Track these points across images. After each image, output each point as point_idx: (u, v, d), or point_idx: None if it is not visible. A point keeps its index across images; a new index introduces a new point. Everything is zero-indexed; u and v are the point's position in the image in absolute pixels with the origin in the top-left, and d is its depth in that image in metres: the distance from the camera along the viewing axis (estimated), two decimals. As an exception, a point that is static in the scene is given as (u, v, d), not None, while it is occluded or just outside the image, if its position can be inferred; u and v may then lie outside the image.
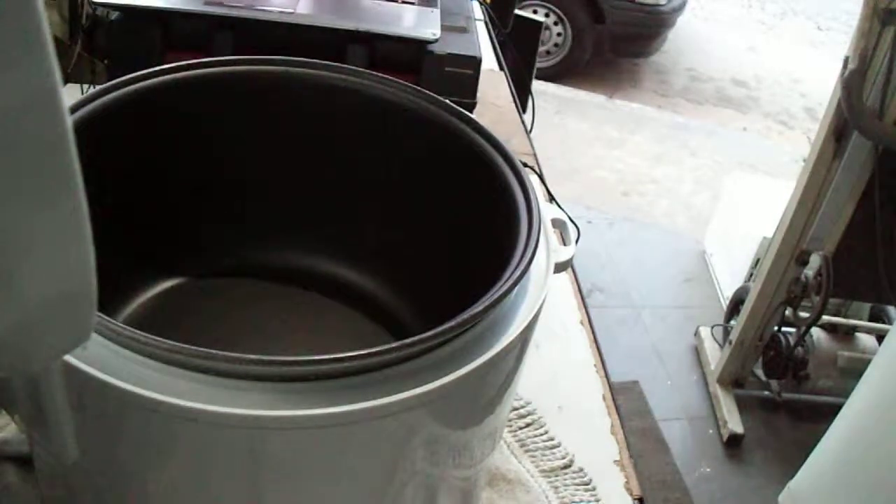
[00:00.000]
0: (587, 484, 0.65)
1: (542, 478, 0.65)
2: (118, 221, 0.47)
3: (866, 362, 1.23)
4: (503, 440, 0.67)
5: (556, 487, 0.64)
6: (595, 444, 0.69)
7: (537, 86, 2.33)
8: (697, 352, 2.24)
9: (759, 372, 2.03)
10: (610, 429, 0.71)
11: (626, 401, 2.00)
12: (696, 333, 2.27)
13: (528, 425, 0.69)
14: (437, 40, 0.89)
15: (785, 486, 1.28)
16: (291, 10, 0.87)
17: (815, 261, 1.75)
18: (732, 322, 2.07)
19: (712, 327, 2.24)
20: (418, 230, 0.60)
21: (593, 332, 0.82)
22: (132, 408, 0.35)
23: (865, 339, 1.94)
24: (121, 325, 0.36)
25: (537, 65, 1.91)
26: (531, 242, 0.44)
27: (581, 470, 0.66)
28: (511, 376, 0.45)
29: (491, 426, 0.47)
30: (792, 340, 1.88)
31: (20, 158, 0.23)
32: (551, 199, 1.00)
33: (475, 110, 0.95)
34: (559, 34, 3.59)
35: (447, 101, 0.54)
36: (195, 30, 0.85)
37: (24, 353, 0.27)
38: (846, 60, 1.54)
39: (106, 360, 0.35)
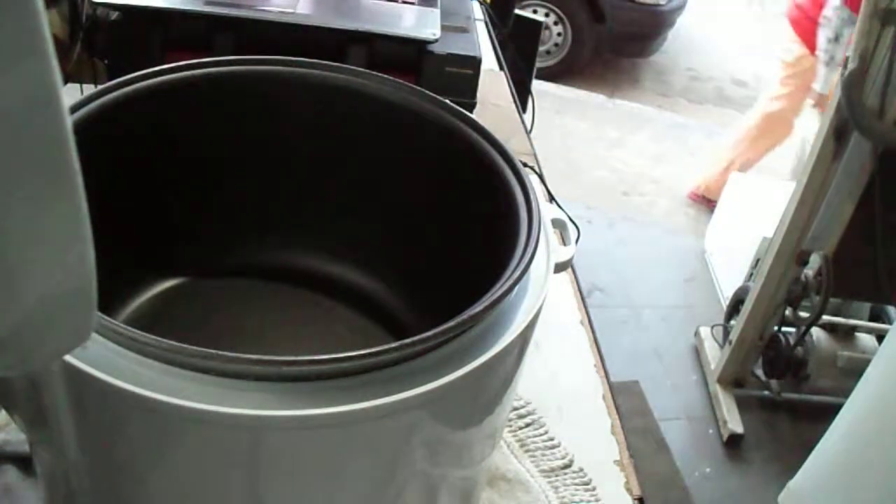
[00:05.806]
0: (587, 484, 0.65)
1: (542, 478, 0.65)
2: (118, 221, 0.47)
3: (866, 362, 1.23)
4: (503, 440, 0.67)
5: (556, 487, 0.64)
6: (595, 444, 0.69)
7: (537, 86, 2.32)
8: (697, 352, 2.24)
9: (759, 372, 2.03)
10: (610, 429, 0.71)
11: (626, 401, 2.00)
12: (696, 333, 2.27)
13: (528, 425, 0.69)
14: (437, 40, 0.89)
15: (785, 486, 1.28)
16: (291, 10, 0.87)
17: (815, 261, 1.75)
18: (732, 322, 2.07)
19: (712, 327, 2.24)
20: (418, 230, 0.60)
21: (593, 332, 0.82)
22: (132, 408, 0.35)
23: (865, 339, 1.94)
24: (121, 325, 0.36)
25: (537, 65, 1.90)
26: (531, 242, 0.44)
27: (581, 470, 0.66)
28: (511, 376, 0.45)
29: (491, 426, 0.47)
30: (792, 340, 1.88)
31: (20, 158, 0.23)
32: (551, 199, 1.00)
33: (475, 110, 0.95)
34: (559, 34, 3.59)
35: (447, 101, 0.54)
36: (195, 30, 0.85)
37: (24, 353, 0.27)
38: (846, 60, 1.54)
39: (106, 360, 0.35)
